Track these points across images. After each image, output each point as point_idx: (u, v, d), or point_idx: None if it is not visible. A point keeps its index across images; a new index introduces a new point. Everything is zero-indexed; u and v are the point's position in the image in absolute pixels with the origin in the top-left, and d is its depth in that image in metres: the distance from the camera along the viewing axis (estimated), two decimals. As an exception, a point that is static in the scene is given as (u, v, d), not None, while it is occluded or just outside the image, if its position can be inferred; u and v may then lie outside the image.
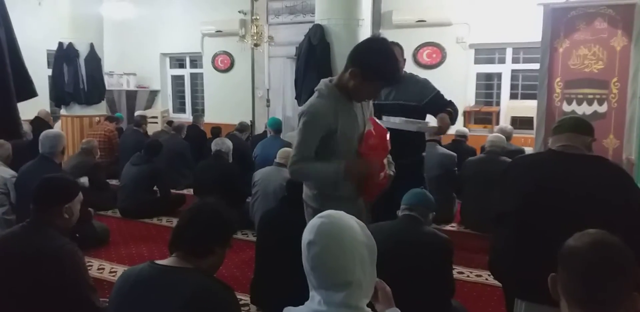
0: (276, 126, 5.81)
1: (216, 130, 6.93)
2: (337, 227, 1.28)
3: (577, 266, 1.10)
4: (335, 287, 1.24)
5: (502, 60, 7.28)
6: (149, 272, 1.54)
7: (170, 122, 7.47)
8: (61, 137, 4.02)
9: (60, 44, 7.03)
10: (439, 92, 3.26)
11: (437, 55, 7.35)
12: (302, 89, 5.17)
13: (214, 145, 4.94)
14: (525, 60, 7.12)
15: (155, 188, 5.23)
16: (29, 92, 3.12)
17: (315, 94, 2.13)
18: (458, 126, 6.64)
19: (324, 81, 2.16)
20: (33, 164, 3.81)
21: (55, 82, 7.10)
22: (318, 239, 1.26)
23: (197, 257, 1.56)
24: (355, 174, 2.06)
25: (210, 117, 8.80)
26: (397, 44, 3.39)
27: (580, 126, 2.10)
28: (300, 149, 2.07)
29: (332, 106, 2.07)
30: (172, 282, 1.49)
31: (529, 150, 5.25)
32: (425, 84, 3.26)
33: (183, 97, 10.04)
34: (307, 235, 1.30)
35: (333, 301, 1.24)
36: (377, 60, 2.03)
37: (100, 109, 7.30)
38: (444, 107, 3.13)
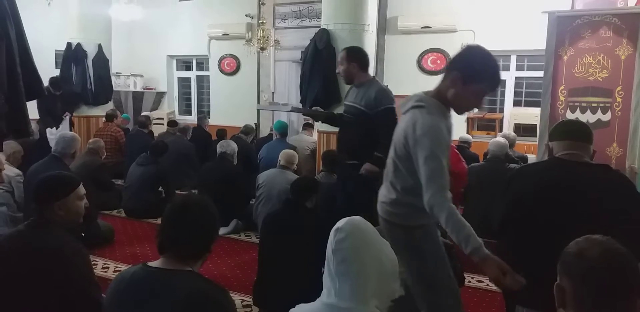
0: (282, 129, 5.85)
1: (221, 132, 6.97)
2: (365, 224, 1.40)
3: (590, 275, 1.09)
4: (348, 276, 1.32)
5: (506, 68, 7.29)
6: (142, 275, 1.53)
7: (171, 123, 7.46)
8: (77, 140, 4.09)
9: (69, 44, 7.10)
10: (391, 108, 3.25)
11: (442, 61, 7.38)
12: (307, 93, 5.20)
13: (219, 147, 4.98)
14: (530, 68, 7.14)
15: (160, 189, 5.27)
16: (39, 91, 3.16)
17: (423, 111, 1.91)
18: (461, 133, 6.66)
19: (420, 96, 1.97)
20: (43, 163, 3.86)
21: (63, 82, 7.15)
22: (346, 227, 1.37)
23: (190, 260, 1.57)
24: (493, 273, 1.72)
25: (216, 119, 8.85)
26: (348, 47, 3.52)
27: (583, 133, 2.08)
28: (440, 176, 1.82)
29: (444, 123, 1.92)
30: (165, 285, 1.48)
31: (532, 157, 5.26)
32: (382, 95, 3.27)
33: (189, 99, 10.09)
34: (337, 224, 1.40)
35: (343, 292, 1.31)
36: (478, 60, 1.90)
37: (107, 110, 7.35)
38: (381, 133, 3.12)
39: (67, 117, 6.64)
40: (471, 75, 1.88)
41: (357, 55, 3.40)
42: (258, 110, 8.76)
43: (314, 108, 4.05)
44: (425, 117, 1.88)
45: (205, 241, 1.59)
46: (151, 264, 1.56)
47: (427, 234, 2.09)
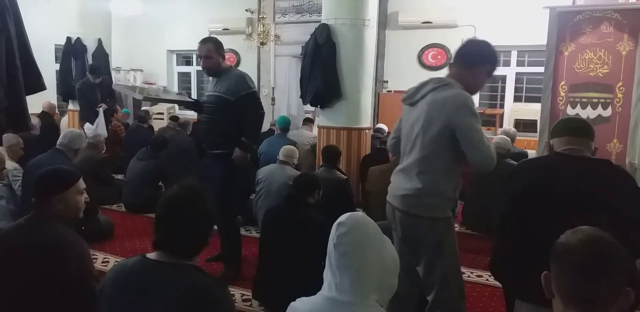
0: (284, 125, 5.82)
1: (221, 127, 6.95)
2: (367, 220, 1.41)
3: (570, 263, 1.08)
4: (348, 270, 1.33)
5: (506, 63, 7.29)
6: (142, 266, 1.52)
7: (173, 118, 7.47)
8: (82, 137, 4.13)
9: (69, 38, 7.09)
10: (253, 92, 3.38)
11: (442, 56, 7.37)
12: (308, 88, 5.19)
13: (219, 142, 4.96)
14: (530, 64, 7.13)
15: (160, 183, 5.27)
16: (38, 85, 3.15)
17: (453, 86, 2.11)
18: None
19: (438, 78, 2.18)
20: (45, 156, 3.84)
21: (63, 77, 7.15)
22: (348, 222, 1.38)
23: (188, 254, 1.55)
24: None
25: (215, 114, 8.85)
26: (210, 39, 3.50)
27: (584, 129, 2.09)
28: (484, 139, 2.05)
29: None
30: (165, 278, 1.47)
31: (532, 153, 5.27)
32: (241, 80, 3.37)
33: (189, 94, 10.06)
34: (339, 218, 1.41)
35: (344, 286, 1.33)
36: (478, 47, 2.21)
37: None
38: (248, 118, 3.34)
39: (101, 109, 6.23)
40: (495, 68, 2.20)
41: (222, 47, 3.46)
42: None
43: (178, 93, 4.11)
44: (460, 91, 2.08)
45: (200, 237, 1.56)
46: (150, 255, 1.54)
47: (450, 226, 2.20)
